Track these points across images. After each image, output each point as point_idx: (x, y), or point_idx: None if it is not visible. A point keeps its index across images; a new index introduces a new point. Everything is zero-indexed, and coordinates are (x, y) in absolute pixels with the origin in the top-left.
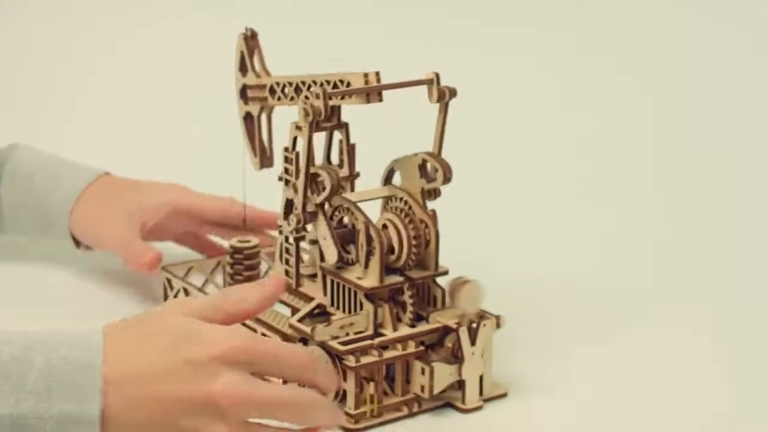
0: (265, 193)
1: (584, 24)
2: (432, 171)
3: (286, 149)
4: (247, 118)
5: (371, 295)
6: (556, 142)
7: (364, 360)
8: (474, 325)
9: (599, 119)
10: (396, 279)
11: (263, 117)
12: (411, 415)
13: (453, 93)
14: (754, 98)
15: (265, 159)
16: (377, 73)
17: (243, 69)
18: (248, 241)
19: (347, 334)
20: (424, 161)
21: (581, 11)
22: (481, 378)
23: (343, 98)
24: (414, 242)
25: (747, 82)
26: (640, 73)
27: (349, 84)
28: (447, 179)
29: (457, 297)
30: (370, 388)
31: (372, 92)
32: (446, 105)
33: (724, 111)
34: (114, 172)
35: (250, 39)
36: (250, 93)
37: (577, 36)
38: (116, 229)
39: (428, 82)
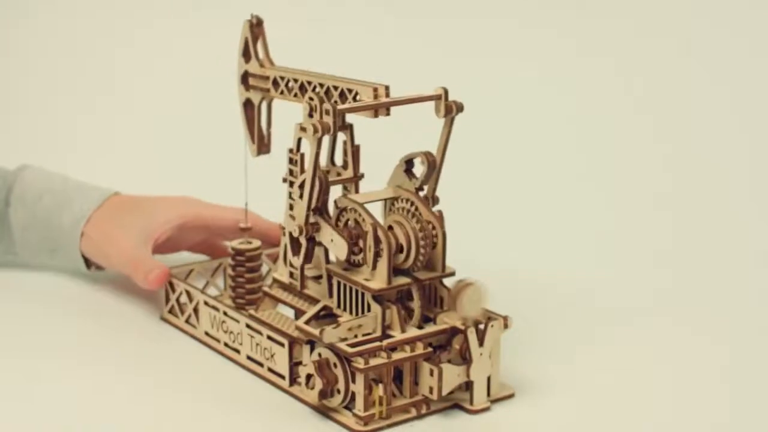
0: (269, 190)
1: (584, 24)
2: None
3: (290, 150)
4: (247, 104)
5: (379, 297)
6: (557, 142)
7: (373, 362)
8: (482, 326)
9: (599, 119)
10: (404, 280)
11: (263, 105)
12: (419, 416)
13: (460, 108)
14: (755, 98)
15: (262, 146)
16: (386, 87)
17: (246, 55)
18: (250, 243)
19: (355, 336)
20: (406, 163)
21: (581, 11)
22: (488, 379)
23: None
24: (422, 243)
25: (748, 82)
26: (639, 73)
27: (357, 95)
28: (431, 164)
29: (459, 300)
30: (379, 390)
31: (380, 107)
32: (452, 119)
33: (725, 111)
34: (116, 173)
35: (255, 26)
36: (251, 81)
37: (578, 36)
38: (126, 248)
39: (436, 98)
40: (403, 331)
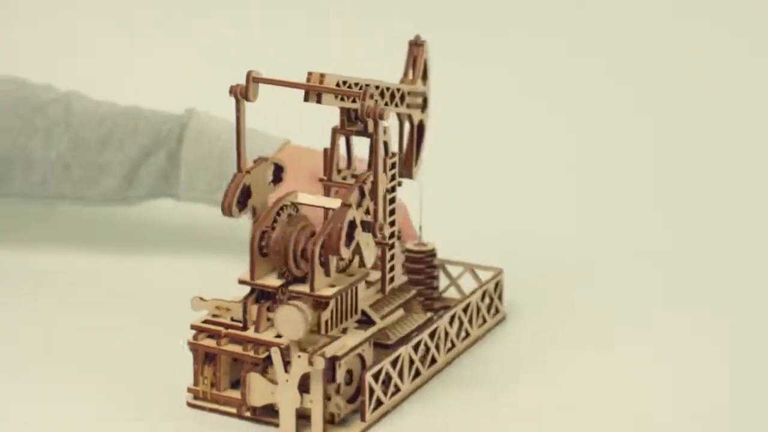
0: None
1: (582, 24)
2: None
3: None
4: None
5: (252, 290)
6: (555, 141)
7: (202, 342)
8: (287, 352)
9: (598, 119)
10: (271, 282)
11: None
12: (239, 416)
13: (379, 115)
14: (753, 97)
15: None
16: (321, 75)
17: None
18: (425, 245)
19: (223, 317)
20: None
21: (578, 11)
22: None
23: None
24: (276, 249)
25: (746, 81)
26: (637, 72)
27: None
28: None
29: (275, 317)
30: (204, 370)
31: (310, 91)
32: (375, 126)
33: (723, 110)
34: None
35: (415, 45)
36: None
37: (574, 36)
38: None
39: (356, 94)
40: (256, 330)
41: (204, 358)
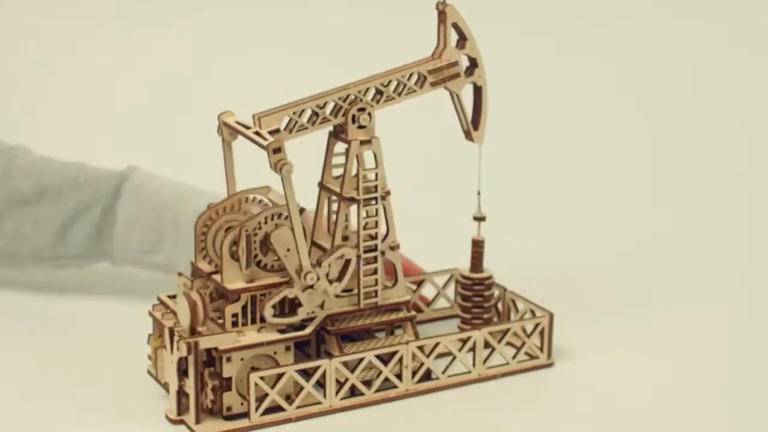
0: None
1: (582, 26)
2: None
3: None
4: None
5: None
6: (558, 141)
7: (155, 312)
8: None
9: (600, 122)
10: (206, 266)
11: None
12: (163, 385)
13: (279, 169)
14: (751, 96)
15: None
16: (259, 119)
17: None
18: (481, 272)
19: None
20: None
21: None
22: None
23: None
24: (200, 235)
25: (744, 80)
26: (638, 73)
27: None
28: None
29: (176, 305)
30: (152, 340)
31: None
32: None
33: (724, 110)
34: None
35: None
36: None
37: (572, 39)
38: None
39: (265, 148)
40: None
41: (158, 329)
